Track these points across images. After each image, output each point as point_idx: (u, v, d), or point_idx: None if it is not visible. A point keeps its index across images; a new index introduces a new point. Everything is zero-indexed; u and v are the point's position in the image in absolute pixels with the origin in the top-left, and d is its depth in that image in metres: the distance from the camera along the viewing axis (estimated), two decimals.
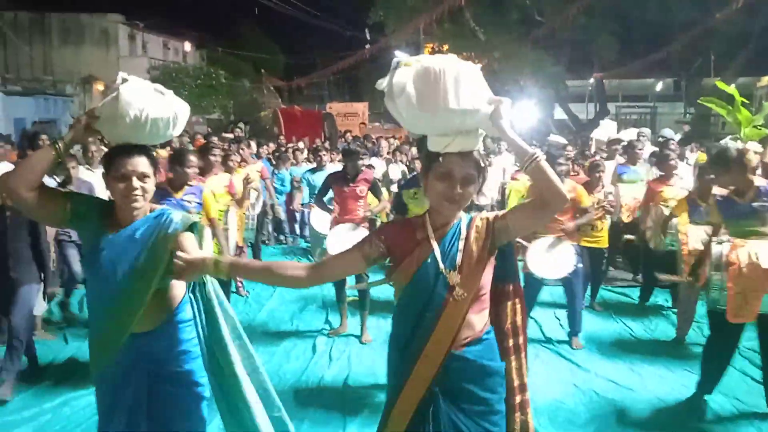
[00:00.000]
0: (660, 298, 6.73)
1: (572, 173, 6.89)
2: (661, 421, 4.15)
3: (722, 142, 5.19)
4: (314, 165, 9.26)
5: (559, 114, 25.18)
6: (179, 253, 2.25)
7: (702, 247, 4.31)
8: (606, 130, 10.17)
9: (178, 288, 2.47)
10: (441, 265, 2.11)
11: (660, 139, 8.66)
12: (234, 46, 31.39)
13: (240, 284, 7.06)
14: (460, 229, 2.16)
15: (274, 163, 10.29)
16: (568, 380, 4.70)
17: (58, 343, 5.45)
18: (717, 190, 4.19)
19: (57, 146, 2.29)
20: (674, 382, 4.62)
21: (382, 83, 2.09)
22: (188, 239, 2.42)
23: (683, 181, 6.44)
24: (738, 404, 4.26)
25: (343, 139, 15.59)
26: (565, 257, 5.13)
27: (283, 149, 11.40)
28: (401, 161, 10.17)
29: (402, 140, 12.40)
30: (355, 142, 12.08)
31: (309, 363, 5.04)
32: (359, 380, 4.72)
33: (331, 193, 5.90)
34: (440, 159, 2.09)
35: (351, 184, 5.68)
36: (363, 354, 5.25)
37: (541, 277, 5.15)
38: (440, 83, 1.96)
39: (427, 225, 2.17)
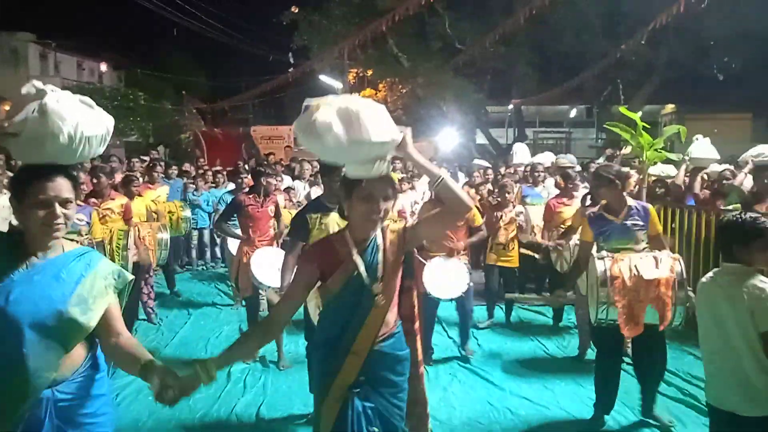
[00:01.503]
0: (573, 316, 6.88)
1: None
2: None
3: (601, 160, 5.44)
4: (233, 186, 9.07)
5: (481, 138, 25.89)
6: (171, 382, 2.08)
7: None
8: (520, 154, 10.50)
9: (86, 339, 2.17)
10: (366, 279, 2.41)
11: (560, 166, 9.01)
12: (155, 68, 30.58)
13: (151, 311, 6.77)
14: (377, 241, 2.48)
15: (190, 184, 10.04)
16: (483, 398, 4.73)
17: None
18: (592, 208, 4.35)
19: None
20: (587, 399, 4.69)
21: (299, 125, 2.32)
22: (117, 309, 2.20)
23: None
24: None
25: (265, 162, 15.40)
26: (459, 277, 5.21)
27: (202, 171, 11.15)
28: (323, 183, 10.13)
29: None
30: (275, 164, 11.94)
31: (222, 391, 4.85)
32: (274, 409, 4.58)
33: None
34: (361, 183, 2.39)
35: (264, 205, 5.59)
36: (279, 380, 5.11)
37: (437, 298, 5.18)
38: (361, 119, 2.24)
39: (349, 241, 2.46)
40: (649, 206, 4.24)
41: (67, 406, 2.07)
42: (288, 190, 8.99)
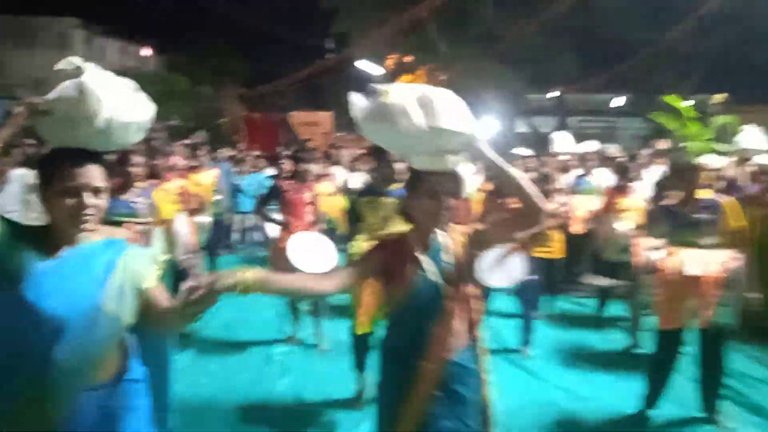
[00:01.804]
0: (619, 308, 6.74)
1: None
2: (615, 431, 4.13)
3: (679, 153, 5.26)
4: (273, 172, 9.13)
5: (521, 127, 25.55)
6: (193, 283, 1.83)
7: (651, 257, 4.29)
8: (560, 142, 10.25)
9: (130, 339, 2.01)
10: (434, 278, 2.26)
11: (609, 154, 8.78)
12: (195, 53, 30.95)
13: None
14: (440, 241, 2.33)
15: (233, 168, 10.15)
16: (525, 391, 4.66)
17: None
18: (665, 201, 4.21)
19: None
20: (629, 392, 4.58)
21: (360, 106, 2.19)
22: (160, 290, 2.00)
23: (641, 193, 6.49)
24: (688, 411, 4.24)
25: (305, 148, 15.49)
26: (515, 266, 5.10)
27: (243, 156, 11.24)
28: (362, 170, 10.09)
29: (367, 151, 12.36)
30: (313, 150, 11.97)
31: (262, 373, 4.88)
32: (313, 391, 4.59)
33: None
34: (428, 177, 2.27)
35: (301, 190, 5.58)
36: (318, 364, 5.13)
37: (490, 286, 5.10)
38: (440, 107, 2.10)
39: (414, 241, 2.33)
40: (723, 201, 4.04)
41: (103, 408, 1.88)
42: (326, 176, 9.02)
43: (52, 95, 1.88)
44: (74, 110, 1.84)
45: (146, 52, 32.35)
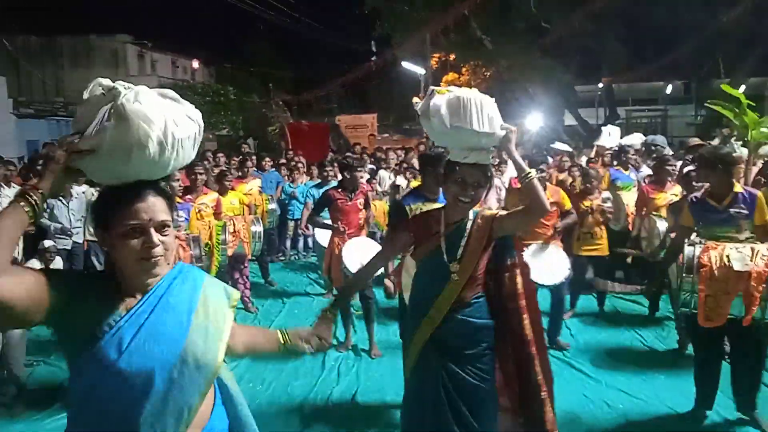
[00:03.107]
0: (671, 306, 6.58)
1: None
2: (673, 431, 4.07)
3: (714, 143, 5.14)
4: (318, 180, 9.26)
5: (569, 119, 25.10)
6: (316, 329, 2.10)
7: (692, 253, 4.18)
8: (610, 136, 10.07)
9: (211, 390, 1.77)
10: (445, 257, 2.72)
11: (653, 147, 8.55)
12: (242, 62, 31.64)
13: (248, 300, 7.05)
14: (466, 226, 2.74)
15: (286, 176, 10.31)
16: (578, 391, 4.63)
17: None
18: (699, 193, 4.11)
19: (31, 201, 1.51)
20: (688, 392, 4.49)
21: (418, 104, 2.71)
22: (238, 325, 1.85)
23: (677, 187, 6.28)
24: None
25: (352, 153, 15.64)
26: (559, 263, 5.21)
27: (294, 163, 11.42)
28: (408, 172, 10.14)
29: (415, 151, 12.42)
30: (362, 154, 12.07)
31: (317, 380, 5.00)
32: (368, 396, 4.69)
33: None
34: (457, 168, 2.69)
35: (353, 198, 5.68)
36: (372, 368, 5.21)
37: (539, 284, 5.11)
38: (467, 109, 2.55)
39: (441, 220, 2.77)
40: (758, 193, 3.96)
41: None
42: (371, 180, 9.09)
43: (90, 129, 1.58)
44: (121, 142, 1.56)
45: (195, 64, 33.22)
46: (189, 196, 6.06)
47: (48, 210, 6.63)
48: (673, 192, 5.90)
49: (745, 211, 3.82)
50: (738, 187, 3.95)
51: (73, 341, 1.59)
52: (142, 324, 1.59)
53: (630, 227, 6.33)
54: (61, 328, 1.60)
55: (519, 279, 2.85)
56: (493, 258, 2.80)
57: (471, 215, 2.77)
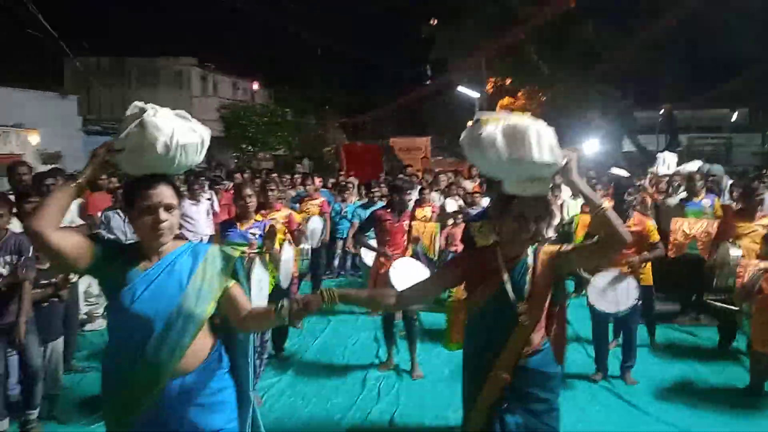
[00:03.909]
0: (741, 341, 6.02)
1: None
2: None
3: None
4: (365, 200, 9.33)
5: (628, 146, 24.57)
6: (296, 297, 2.27)
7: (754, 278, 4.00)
8: (665, 163, 9.78)
9: (211, 332, 2.30)
10: (511, 296, 2.42)
11: (709, 177, 8.22)
12: (299, 85, 32.34)
13: None
14: (527, 262, 2.49)
15: (337, 196, 10.45)
16: (626, 423, 4.46)
17: None
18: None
19: (78, 182, 2.17)
20: (743, 429, 4.30)
21: (466, 136, 2.43)
22: (239, 291, 2.32)
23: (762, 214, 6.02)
24: None
25: (403, 173, 15.70)
26: (626, 291, 4.99)
27: (344, 183, 11.55)
28: (457, 195, 10.10)
29: (465, 174, 12.37)
30: (411, 176, 12.09)
31: (357, 398, 4.98)
32: (406, 417, 4.63)
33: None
34: (515, 201, 2.44)
35: (400, 219, 5.69)
36: (412, 390, 5.15)
37: (603, 311, 5.00)
38: (526, 138, 2.28)
39: (499, 257, 2.50)
40: None
41: (189, 395, 2.20)
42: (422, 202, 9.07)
43: (122, 134, 2.22)
44: (139, 142, 2.18)
45: (255, 86, 34.13)
46: (262, 211, 6.10)
47: (105, 221, 6.89)
48: (761, 223, 5.70)
49: None
50: None
51: (107, 289, 2.25)
52: (152, 282, 2.18)
53: (705, 255, 6.13)
54: (98, 278, 2.29)
55: (561, 322, 2.68)
56: (552, 299, 2.57)
57: (530, 250, 2.52)
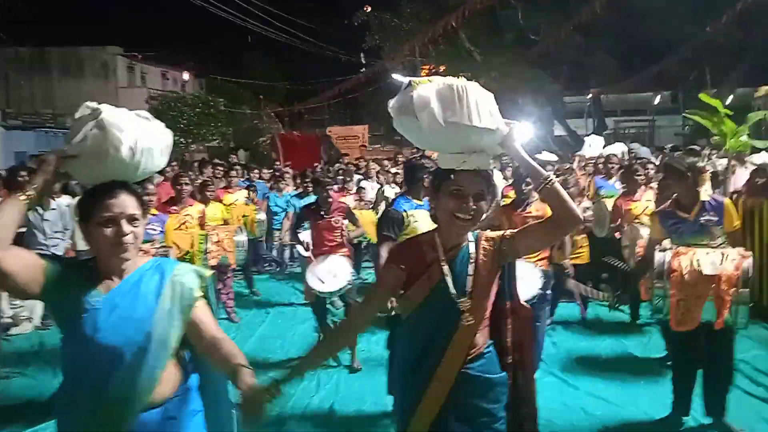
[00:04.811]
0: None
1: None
2: None
3: (677, 154, 5.14)
4: (300, 190, 9.29)
5: (559, 130, 25.25)
6: (244, 395, 1.89)
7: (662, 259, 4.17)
8: (591, 147, 10.16)
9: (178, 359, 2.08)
10: (453, 291, 2.13)
11: (635, 160, 8.61)
12: (233, 74, 31.72)
13: (231, 310, 7.01)
14: (469, 251, 2.19)
15: (273, 187, 10.35)
16: (557, 398, 4.62)
17: None
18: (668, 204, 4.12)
19: (27, 194, 1.91)
20: (666, 398, 4.49)
21: (394, 102, 2.14)
22: (205, 311, 2.08)
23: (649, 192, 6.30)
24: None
25: (340, 163, 15.67)
26: (533, 280, 4.67)
27: (279, 174, 11.45)
28: (394, 182, 10.15)
29: (396, 160, 12.44)
30: (348, 164, 12.10)
31: (296, 389, 4.96)
32: (346, 407, 4.65)
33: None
34: (452, 176, 2.13)
35: (326, 217, 5.65)
36: (351, 380, 5.18)
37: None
38: (464, 100, 2.02)
39: (438, 246, 2.19)
40: (725, 200, 4.00)
41: (162, 423, 1.98)
42: (359, 190, 9.12)
43: (76, 138, 1.99)
44: (99, 146, 1.96)
45: (185, 76, 33.27)
46: (174, 207, 6.05)
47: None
48: (647, 198, 5.93)
49: (715, 218, 3.82)
50: (704, 196, 3.95)
51: (61, 316, 1.98)
52: (116, 306, 1.94)
53: (618, 235, 6.36)
54: (51, 303, 2.02)
55: (519, 326, 2.31)
56: (499, 294, 2.26)
57: (471, 237, 2.22)
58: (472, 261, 2.17)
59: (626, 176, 6.36)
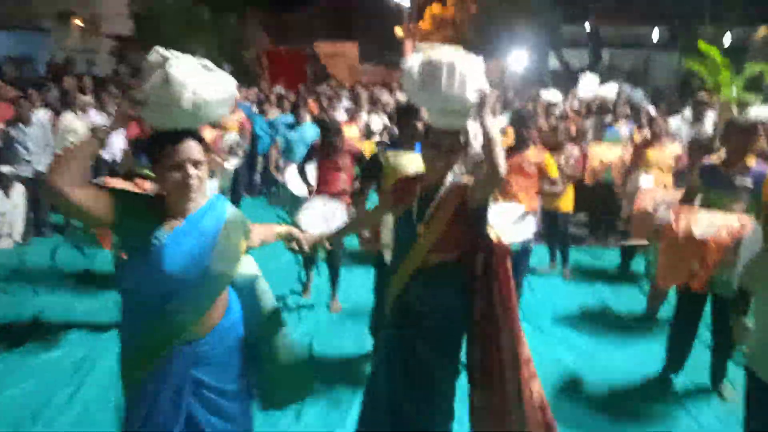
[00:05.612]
0: (640, 265, 6.29)
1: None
2: (620, 395, 4.09)
3: (749, 109, 5.04)
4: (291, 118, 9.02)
5: (554, 63, 24.76)
6: (295, 234, 2.67)
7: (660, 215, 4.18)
8: (587, 85, 9.95)
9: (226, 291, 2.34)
10: (414, 216, 2.72)
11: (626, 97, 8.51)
12: None
13: None
14: (439, 191, 2.70)
15: (256, 109, 10.08)
16: (531, 347, 4.64)
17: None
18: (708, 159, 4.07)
19: (100, 135, 2.06)
20: (644, 356, 4.54)
21: (406, 66, 2.63)
22: (255, 228, 2.45)
23: (673, 145, 6.27)
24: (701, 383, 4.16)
25: (325, 84, 15.24)
26: (526, 224, 4.65)
27: (265, 95, 11.13)
28: (382, 112, 9.94)
29: (394, 92, 12.13)
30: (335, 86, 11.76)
31: None
32: (325, 346, 4.68)
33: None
34: (432, 132, 2.69)
35: (333, 157, 5.39)
36: (333, 317, 5.22)
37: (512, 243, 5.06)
38: (438, 70, 2.49)
39: (419, 184, 2.77)
40: None
41: (198, 355, 2.22)
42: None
43: (145, 86, 2.12)
44: (163, 96, 2.09)
45: None
46: None
47: (3, 137, 6.46)
48: (671, 150, 5.97)
49: (750, 186, 3.77)
50: (752, 162, 3.88)
51: (129, 246, 2.19)
52: (180, 244, 2.14)
53: (619, 182, 6.40)
54: (121, 234, 2.24)
55: (493, 262, 2.70)
56: (470, 232, 2.72)
57: (449, 181, 2.72)
58: (438, 199, 2.69)
59: (649, 124, 6.43)
